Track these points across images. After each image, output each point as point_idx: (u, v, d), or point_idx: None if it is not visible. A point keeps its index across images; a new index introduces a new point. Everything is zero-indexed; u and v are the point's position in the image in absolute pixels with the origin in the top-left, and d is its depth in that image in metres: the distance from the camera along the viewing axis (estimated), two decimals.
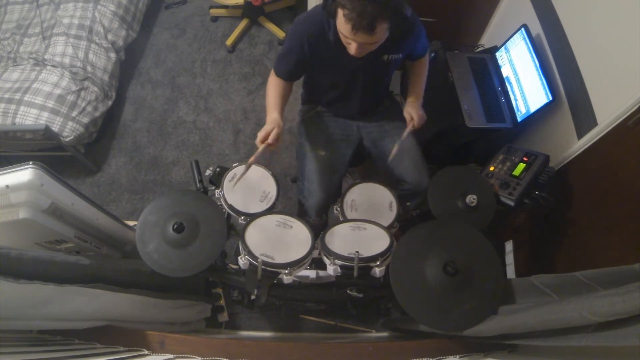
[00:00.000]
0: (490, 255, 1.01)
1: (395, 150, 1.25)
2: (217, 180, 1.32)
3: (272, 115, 1.23)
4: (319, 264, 1.23)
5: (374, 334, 1.74)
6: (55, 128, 1.85)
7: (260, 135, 1.16)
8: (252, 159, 1.16)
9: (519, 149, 1.45)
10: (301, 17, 1.23)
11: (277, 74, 1.31)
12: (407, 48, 1.27)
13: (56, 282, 0.83)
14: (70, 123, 1.91)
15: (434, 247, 1.00)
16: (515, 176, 1.36)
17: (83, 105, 1.98)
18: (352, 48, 1.07)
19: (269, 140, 1.15)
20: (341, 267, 1.08)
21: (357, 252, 1.06)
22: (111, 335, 0.98)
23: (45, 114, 1.86)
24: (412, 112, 1.33)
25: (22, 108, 1.85)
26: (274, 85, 1.31)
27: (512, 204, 1.29)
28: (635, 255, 1.10)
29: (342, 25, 1.01)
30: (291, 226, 1.18)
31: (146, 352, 0.95)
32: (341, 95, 1.39)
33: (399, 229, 1.30)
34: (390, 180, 1.41)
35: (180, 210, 1.11)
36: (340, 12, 0.99)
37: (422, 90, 1.41)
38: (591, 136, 1.32)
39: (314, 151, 1.41)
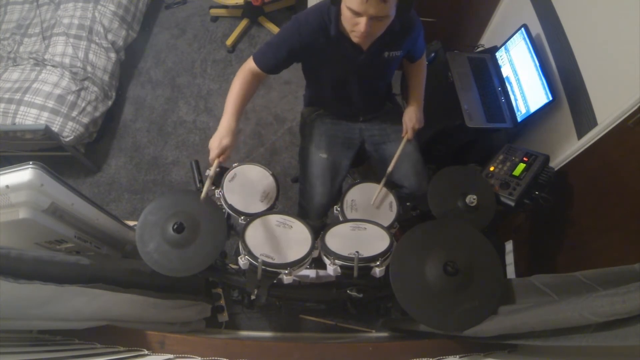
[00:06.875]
0: (490, 255, 1.01)
1: (393, 162, 1.27)
2: (217, 180, 1.32)
3: (228, 123, 1.15)
4: (319, 264, 1.23)
5: (374, 334, 1.74)
6: (55, 128, 1.85)
7: (213, 148, 1.13)
8: (206, 183, 1.13)
9: (519, 149, 1.45)
10: (301, 13, 1.20)
11: (258, 64, 1.21)
12: (406, 46, 1.27)
13: (56, 282, 0.83)
14: (70, 123, 1.91)
15: (434, 247, 1.00)
16: (515, 176, 1.36)
17: (83, 105, 1.98)
18: (361, 26, 1.02)
19: (221, 158, 1.14)
20: (341, 267, 1.08)
21: (357, 252, 1.06)
22: (111, 335, 0.98)
23: (45, 114, 1.86)
24: (409, 121, 1.34)
25: (22, 108, 1.85)
26: (243, 81, 1.20)
27: (512, 204, 1.29)
28: (635, 255, 1.10)
29: None
30: (291, 226, 1.17)
31: (146, 352, 0.95)
32: (343, 94, 1.38)
33: (399, 229, 1.30)
34: (389, 183, 1.41)
35: (180, 210, 1.11)
36: None
37: (422, 95, 1.41)
38: (591, 136, 1.32)
39: (316, 154, 1.41)
